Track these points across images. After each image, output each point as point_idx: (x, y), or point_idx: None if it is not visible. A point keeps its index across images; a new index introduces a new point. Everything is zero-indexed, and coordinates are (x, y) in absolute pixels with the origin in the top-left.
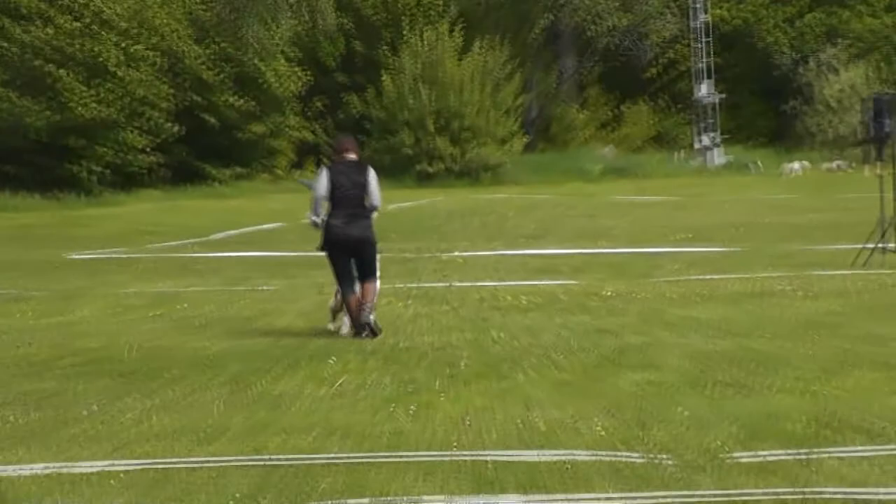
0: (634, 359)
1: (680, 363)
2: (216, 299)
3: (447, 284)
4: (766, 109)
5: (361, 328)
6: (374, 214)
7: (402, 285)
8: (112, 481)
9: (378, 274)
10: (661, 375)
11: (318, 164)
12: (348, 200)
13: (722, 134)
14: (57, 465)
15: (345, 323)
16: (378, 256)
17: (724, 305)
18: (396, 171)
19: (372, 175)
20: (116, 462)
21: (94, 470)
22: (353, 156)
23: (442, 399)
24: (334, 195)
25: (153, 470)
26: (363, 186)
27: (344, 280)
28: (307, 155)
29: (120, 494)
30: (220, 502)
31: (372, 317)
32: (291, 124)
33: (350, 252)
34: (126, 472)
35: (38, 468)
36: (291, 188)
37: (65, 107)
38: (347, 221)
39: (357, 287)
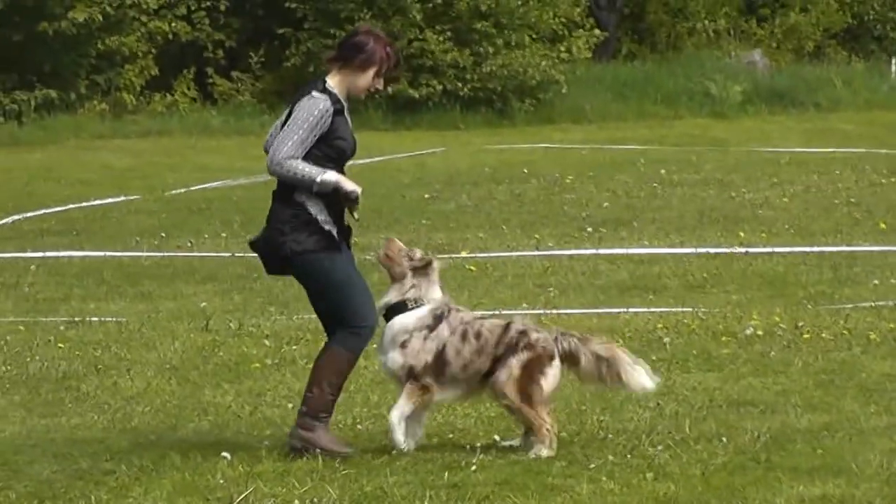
0: (802, 456)
1: (888, 464)
2: (6, 340)
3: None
4: None
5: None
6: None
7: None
8: None
9: (346, 319)
10: (851, 488)
11: (201, 83)
12: None
13: None
14: None
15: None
16: (325, 287)
17: None
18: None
19: (301, 106)
20: None
21: None
22: (330, 72)
23: None
24: None
25: None
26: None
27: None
28: (180, 65)
29: None
30: None
31: (298, 430)
32: (147, 4)
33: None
34: None
35: None
36: (150, 127)
37: None
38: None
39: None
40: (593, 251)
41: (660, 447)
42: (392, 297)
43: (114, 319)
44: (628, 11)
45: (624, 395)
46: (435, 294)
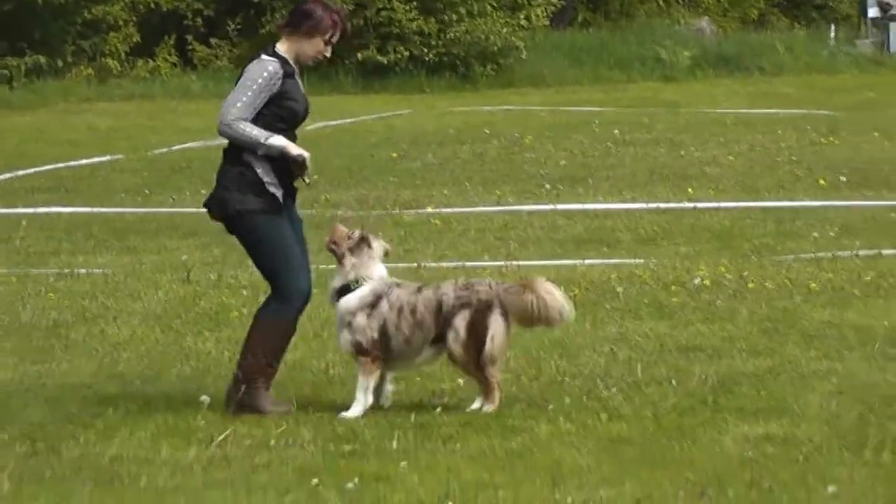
0: (747, 398)
1: (826, 406)
2: None
3: (413, 265)
4: None
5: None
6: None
7: (331, 265)
8: None
9: (278, 286)
10: (792, 427)
11: (182, 49)
12: None
13: None
14: None
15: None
16: (265, 249)
17: None
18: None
19: (249, 69)
20: None
21: None
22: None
23: (404, 468)
24: None
25: None
26: None
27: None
28: (161, 32)
29: None
30: None
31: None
32: None
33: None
34: None
35: None
36: (133, 91)
37: None
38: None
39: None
40: (551, 207)
41: (614, 390)
42: (337, 281)
43: (101, 271)
44: None
45: (581, 342)
46: (375, 271)
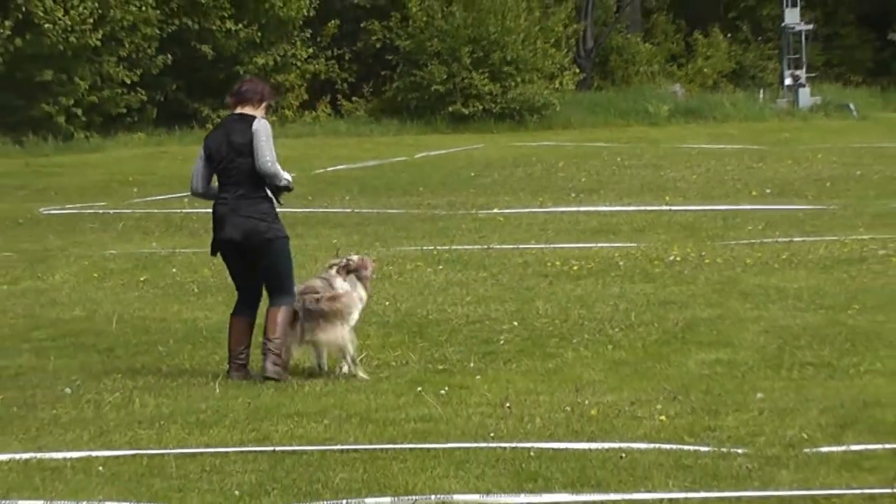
0: (704, 335)
1: (757, 340)
2: (213, 262)
3: (485, 247)
4: (866, 40)
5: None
6: (283, 185)
7: (431, 247)
8: (92, 473)
9: (288, 288)
10: (734, 354)
11: (334, 104)
12: (228, 176)
13: (811, 70)
14: (27, 454)
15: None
16: (286, 263)
17: (811, 273)
18: (425, 112)
19: (259, 128)
20: (97, 451)
21: (73, 457)
22: (242, 109)
23: (478, 380)
24: (217, 171)
25: (141, 460)
26: (247, 150)
27: (239, 294)
28: (320, 93)
29: (101, 489)
30: (217, 499)
31: (271, 364)
32: (301, 55)
33: (239, 255)
34: (109, 462)
35: (3, 457)
36: (302, 132)
37: (33, 28)
38: (230, 210)
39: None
40: (576, 209)
41: (616, 329)
42: None
43: None
44: (598, 60)
45: (595, 298)
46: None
